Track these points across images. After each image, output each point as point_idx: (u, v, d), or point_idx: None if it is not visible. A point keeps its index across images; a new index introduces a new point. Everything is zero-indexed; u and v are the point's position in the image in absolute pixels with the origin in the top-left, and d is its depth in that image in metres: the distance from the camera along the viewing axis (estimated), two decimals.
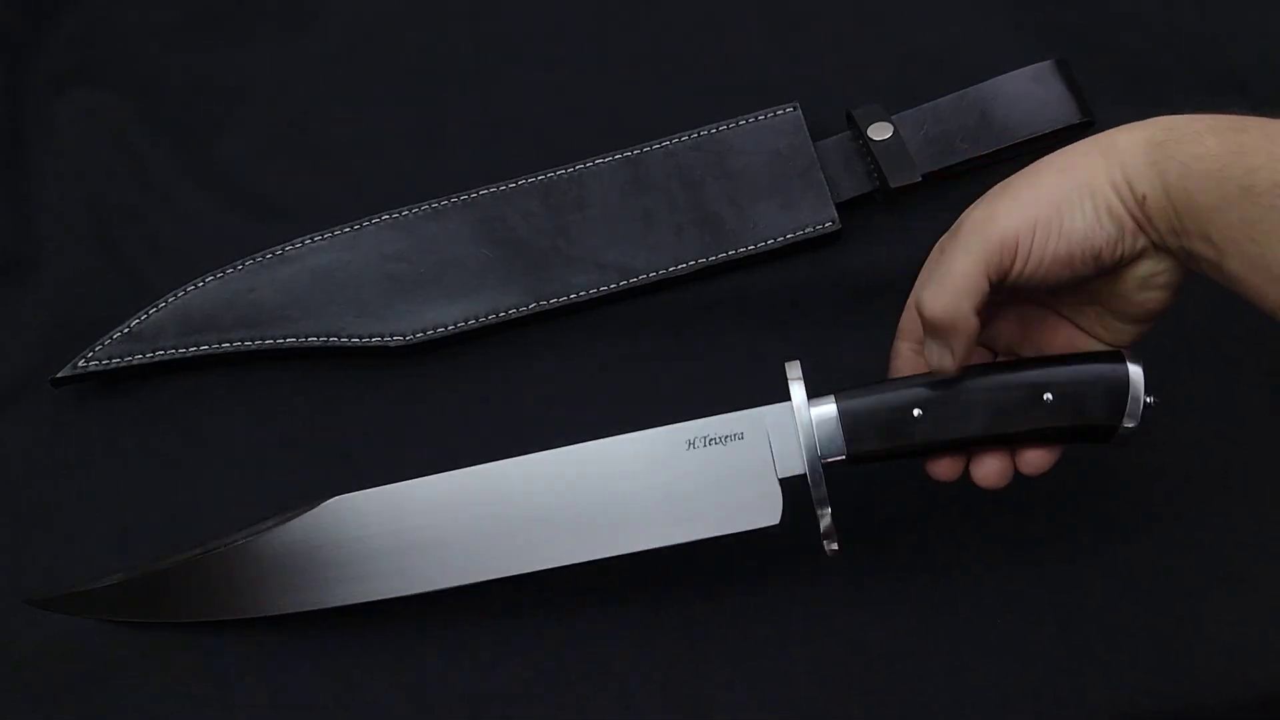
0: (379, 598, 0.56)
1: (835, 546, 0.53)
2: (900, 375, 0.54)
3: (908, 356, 0.55)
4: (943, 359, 0.50)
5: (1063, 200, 0.47)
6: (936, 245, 0.53)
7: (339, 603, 0.56)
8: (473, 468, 0.56)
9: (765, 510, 0.53)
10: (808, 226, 0.67)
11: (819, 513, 0.52)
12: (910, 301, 0.55)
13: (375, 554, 0.56)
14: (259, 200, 0.71)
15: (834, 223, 0.67)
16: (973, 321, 0.49)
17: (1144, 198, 0.46)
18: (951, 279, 0.49)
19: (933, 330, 0.50)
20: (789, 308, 0.67)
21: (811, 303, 0.67)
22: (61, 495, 0.64)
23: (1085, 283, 0.50)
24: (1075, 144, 0.49)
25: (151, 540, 0.63)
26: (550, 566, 0.55)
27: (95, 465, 0.65)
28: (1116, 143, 0.47)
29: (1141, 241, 0.48)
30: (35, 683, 0.60)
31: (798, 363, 0.54)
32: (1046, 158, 0.49)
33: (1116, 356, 0.51)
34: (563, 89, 0.74)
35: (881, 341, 0.66)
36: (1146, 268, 0.49)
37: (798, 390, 0.53)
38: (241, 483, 0.64)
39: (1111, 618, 0.59)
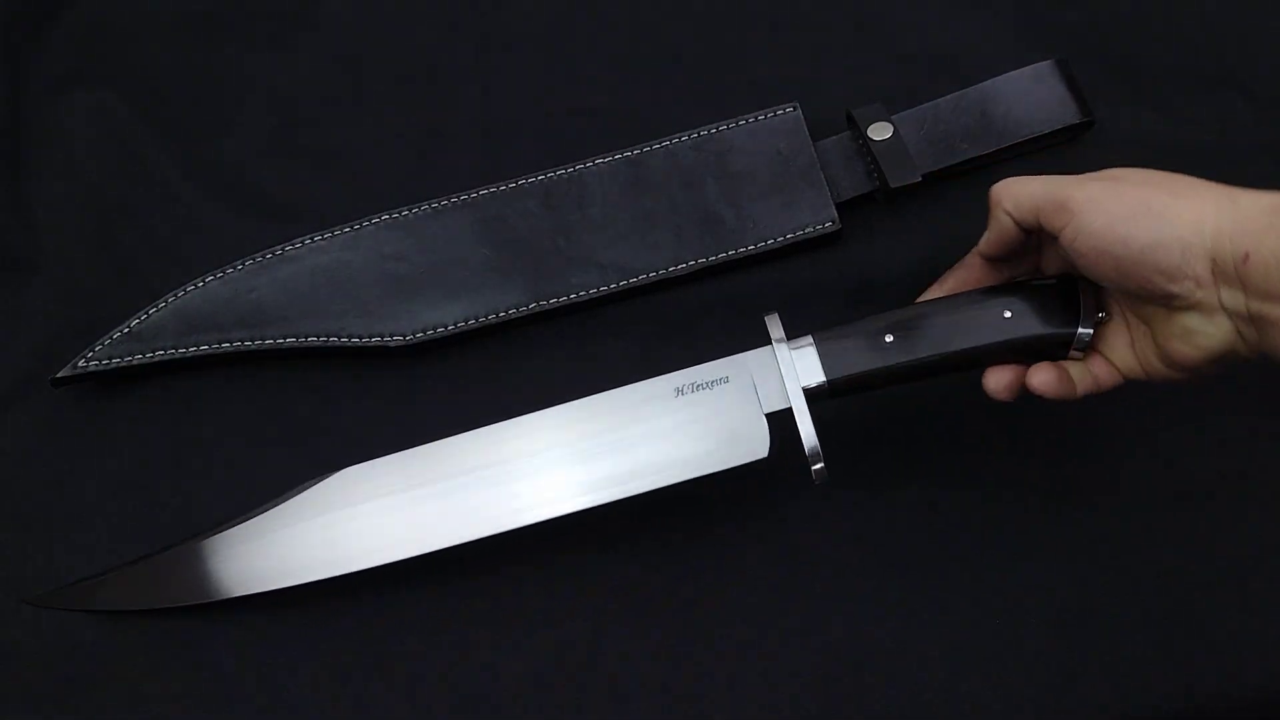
0: (386, 562, 0.57)
1: (820, 466, 0.54)
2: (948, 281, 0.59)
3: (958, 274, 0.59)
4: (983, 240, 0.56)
5: (1150, 211, 0.48)
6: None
7: (341, 571, 0.57)
8: (473, 431, 0.58)
9: (753, 445, 0.55)
10: (808, 226, 0.67)
11: (803, 435, 0.54)
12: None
13: (383, 520, 0.57)
14: (259, 200, 0.71)
15: (834, 223, 0.67)
16: (1005, 220, 0.53)
17: (1246, 256, 0.46)
18: (1022, 183, 0.53)
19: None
20: (789, 308, 0.67)
21: (811, 303, 0.67)
22: (61, 495, 0.64)
23: (1134, 297, 0.51)
24: (1195, 179, 0.50)
25: (151, 540, 0.62)
26: (554, 515, 0.56)
27: (95, 465, 0.65)
28: (1238, 200, 0.48)
29: (1202, 294, 0.48)
30: (35, 683, 0.60)
31: (776, 314, 0.57)
32: (1166, 174, 0.50)
33: (1067, 279, 0.54)
34: (563, 89, 0.74)
35: None
36: (1193, 322, 0.49)
37: (775, 328, 0.56)
38: (241, 482, 0.64)
39: (1111, 618, 0.59)
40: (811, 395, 0.55)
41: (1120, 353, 0.54)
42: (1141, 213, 0.48)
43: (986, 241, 0.56)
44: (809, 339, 0.55)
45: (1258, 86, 0.71)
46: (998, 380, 0.54)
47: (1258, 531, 0.60)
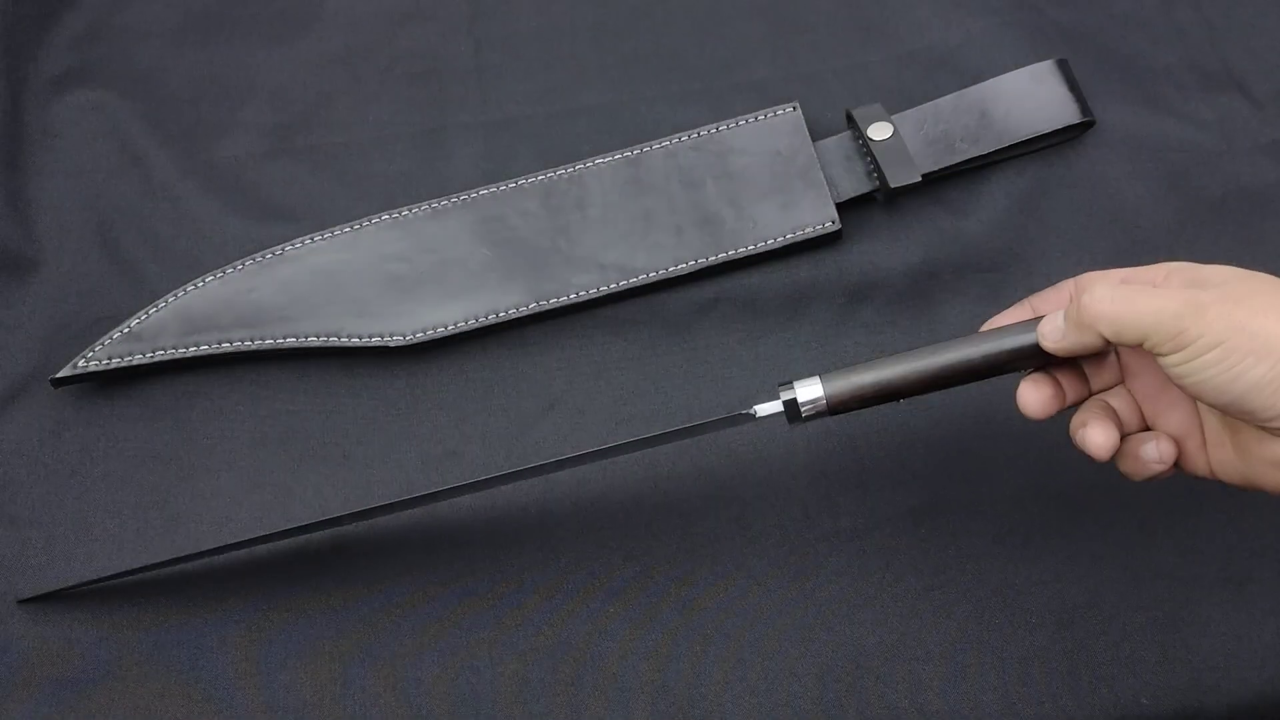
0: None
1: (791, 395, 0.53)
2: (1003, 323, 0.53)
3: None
4: (1054, 331, 0.50)
5: (1272, 350, 0.43)
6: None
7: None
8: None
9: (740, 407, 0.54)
10: (808, 226, 0.67)
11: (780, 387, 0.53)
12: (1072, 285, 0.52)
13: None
14: (259, 200, 0.71)
15: (834, 223, 0.67)
16: (1095, 341, 0.48)
17: None
18: (1128, 305, 0.46)
19: (1069, 318, 0.49)
20: (789, 308, 0.67)
21: (811, 303, 0.67)
22: (61, 495, 0.64)
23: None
24: None
25: (151, 540, 0.62)
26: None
27: (95, 465, 0.65)
28: None
29: None
30: (35, 683, 0.60)
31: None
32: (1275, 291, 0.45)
33: None
34: (563, 89, 0.74)
35: (881, 341, 0.66)
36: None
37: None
38: (241, 483, 0.64)
39: (1111, 618, 0.59)
40: (810, 411, 0.53)
41: (1189, 453, 0.51)
42: (1264, 352, 0.43)
43: (1060, 346, 0.49)
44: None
45: (1258, 86, 0.71)
46: (1035, 396, 0.50)
47: (1258, 532, 0.60)
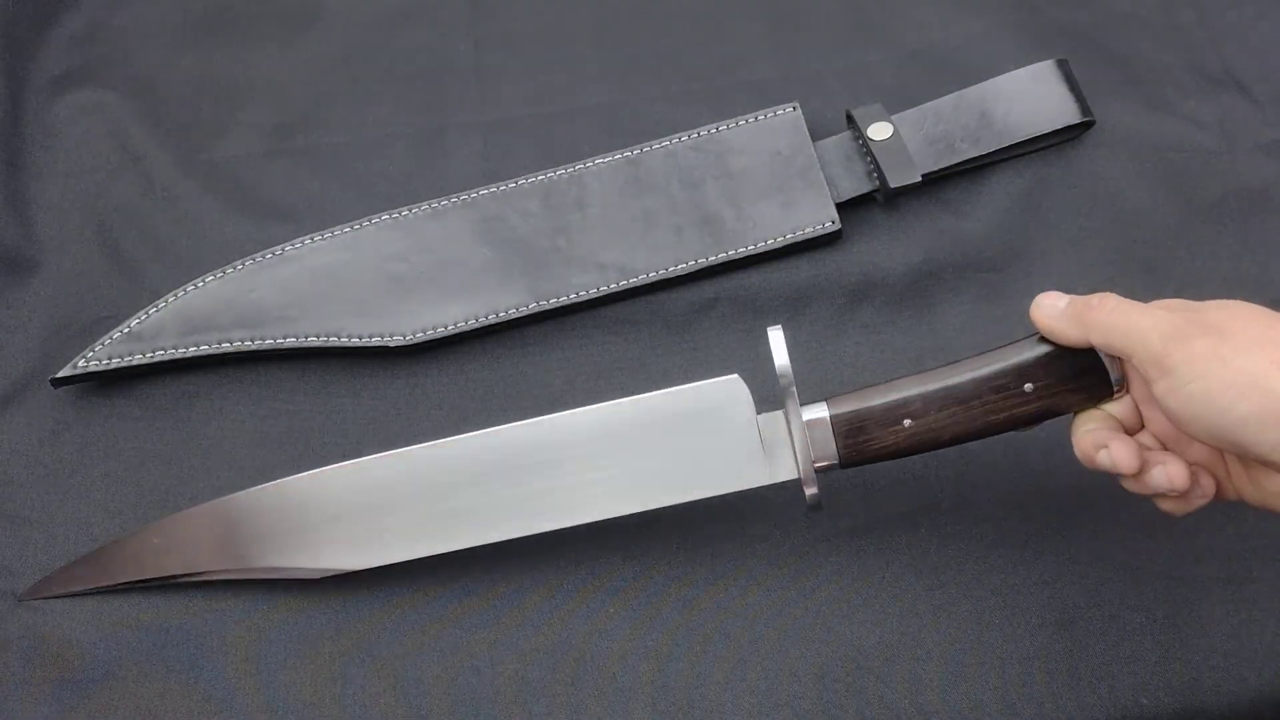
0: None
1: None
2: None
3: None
4: (1052, 308, 0.50)
5: (1257, 385, 0.43)
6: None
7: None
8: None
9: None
10: (808, 226, 0.67)
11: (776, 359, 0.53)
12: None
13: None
14: (259, 200, 0.71)
15: (834, 223, 0.67)
16: (1076, 337, 0.49)
17: None
18: (1124, 317, 0.47)
19: (1072, 306, 0.50)
20: (789, 308, 0.67)
21: (811, 303, 0.67)
22: (61, 495, 0.64)
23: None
24: None
25: None
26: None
27: (95, 465, 0.65)
28: None
29: None
30: (35, 683, 0.60)
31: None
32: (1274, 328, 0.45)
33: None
34: (563, 89, 0.74)
35: (881, 341, 0.66)
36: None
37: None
38: (241, 483, 0.64)
39: (1111, 618, 0.59)
40: (815, 424, 0.53)
41: (1219, 483, 0.50)
42: (1247, 386, 0.43)
43: (1048, 321, 0.50)
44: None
45: (1258, 86, 0.71)
46: (1127, 453, 0.49)
47: (1258, 532, 0.60)
